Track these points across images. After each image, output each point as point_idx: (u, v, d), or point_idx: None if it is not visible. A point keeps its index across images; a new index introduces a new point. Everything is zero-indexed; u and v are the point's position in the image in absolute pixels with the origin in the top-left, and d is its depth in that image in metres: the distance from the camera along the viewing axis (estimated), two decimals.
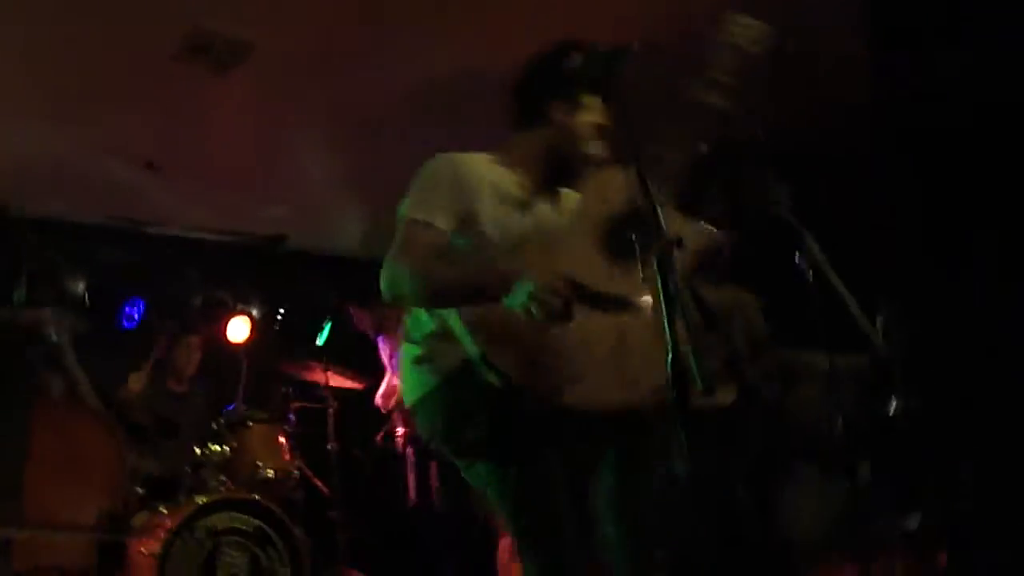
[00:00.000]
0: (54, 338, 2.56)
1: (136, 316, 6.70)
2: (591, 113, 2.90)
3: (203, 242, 7.13)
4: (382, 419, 6.40)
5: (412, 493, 6.39)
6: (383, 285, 2.70)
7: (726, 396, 4.77)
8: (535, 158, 2.95)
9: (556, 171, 2.96)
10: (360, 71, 5.17)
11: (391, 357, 6.17)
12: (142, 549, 4.48)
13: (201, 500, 4.77)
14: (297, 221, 6.99)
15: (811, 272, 4.18)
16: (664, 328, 2.12)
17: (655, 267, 2.18)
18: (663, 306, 2.14)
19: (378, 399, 6.31)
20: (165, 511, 4.80)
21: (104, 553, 2.18)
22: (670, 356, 2.08)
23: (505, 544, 4.48)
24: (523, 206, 2.87)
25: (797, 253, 4.12)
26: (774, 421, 4.87)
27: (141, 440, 5.25)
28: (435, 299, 2.70)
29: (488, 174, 2.85)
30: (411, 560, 6.27)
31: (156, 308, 6.75)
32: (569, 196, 2.97)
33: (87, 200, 6.48)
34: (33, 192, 6.23)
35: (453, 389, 2.66)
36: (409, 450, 6.24)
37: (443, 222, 2.70)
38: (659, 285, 2.16)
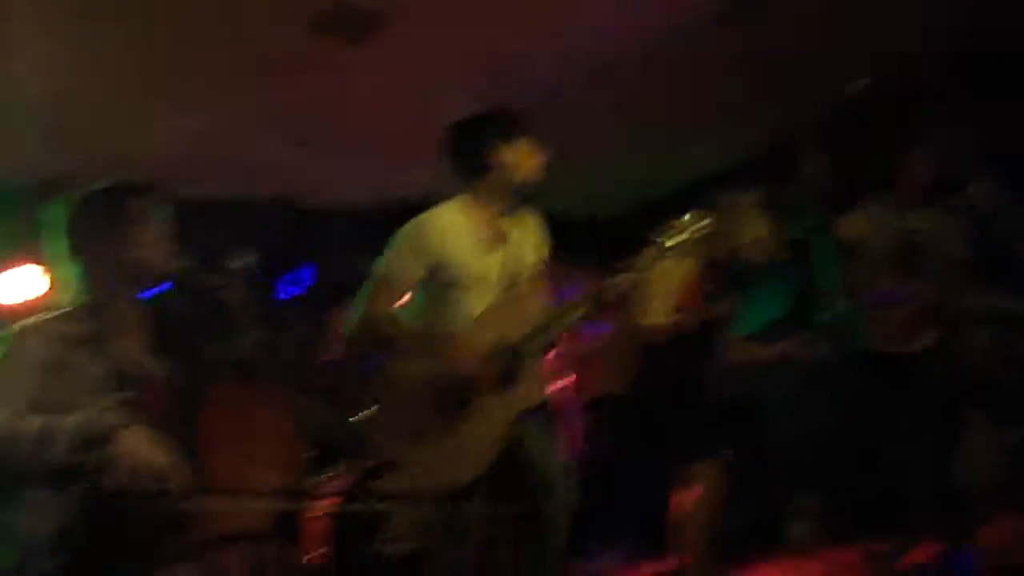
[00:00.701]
0: (230, 311, 2.58)
1: (300, 289, 6.85)
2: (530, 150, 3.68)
3: (361, 209, 7.21)
4: None
5: (568, 447, 6.37)
6: (348, 324, 3.60)
7: (919, 340, 4.58)
8: (489, 199, 3.70)
9: (505, 204, 3.70)
10: (499, 24, 5.11)
11: None
12: (317, 512, 4.59)
13: (371, 464, 4.83)
14: (448, 182, 6.98)
15: (982, 213, 4.04)
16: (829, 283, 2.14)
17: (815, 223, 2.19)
18: (825, 261, 2.15)
19: None
20: (338, 473, 4.90)
21: (281, 520, 2.20)
22: (832, 313, 2.12)
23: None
24: (487, 248, 3.63)
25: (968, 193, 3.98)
26: (956, 366, 4.69)
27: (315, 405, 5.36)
28: (381, 344, 3.56)
29: (454, 225, 3.60)
30: (588, 512, 6.22)
31: (323, 278, 6.90)
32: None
33: (244, 178, 6.62)
34: (192, 174, 6.41)
35: None
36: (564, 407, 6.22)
37: (407, 278, 3.57)
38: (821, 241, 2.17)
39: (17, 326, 2.47)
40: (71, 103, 5.28)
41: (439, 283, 3.61)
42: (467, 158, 3.77)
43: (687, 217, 3.65)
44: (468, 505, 3.53)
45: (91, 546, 2.12)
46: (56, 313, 2.57)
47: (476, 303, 3.61)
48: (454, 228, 3.63)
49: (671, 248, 3.59)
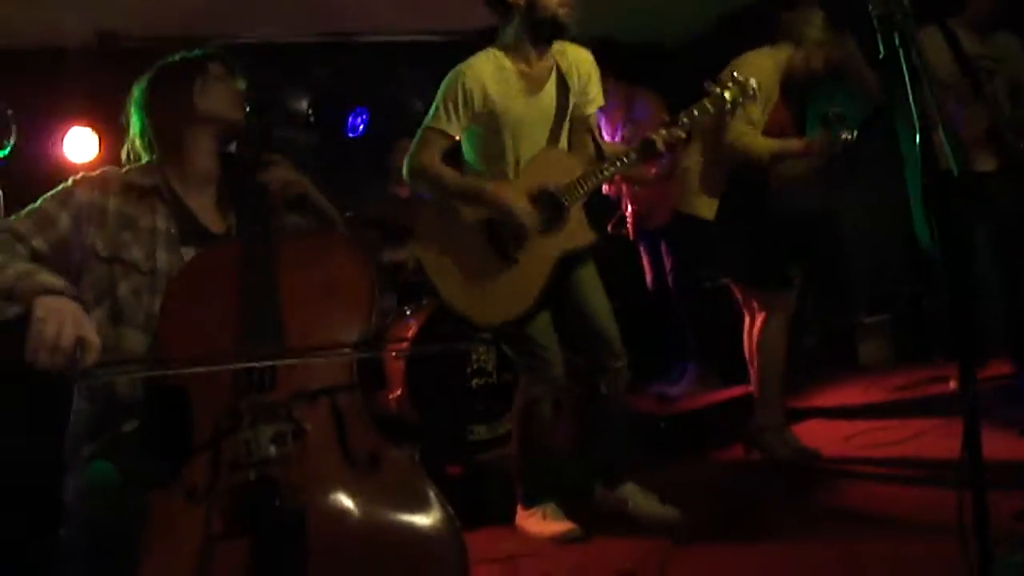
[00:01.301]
0: (289, 190, 2.58)
1: (361, 125, 6.80)
2: None
3: (417, 44, 7.06)
4: (610, 206, 6.32)
5: (648, 276, 6.37)
6: (404, 171, 3.74)
7: (985, 163, 4.54)
8: (522, 41, 3.71)
9: (539, 43, 3.71)
10: None
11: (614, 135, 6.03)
12: (392, 352, 4.65)
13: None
14: None
15: None
16: (911, 104, 2.09)
17: (897, 41, 2.08)
18: (908, 81, 2.05)
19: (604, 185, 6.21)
20: (409, 312, 4.94)
21: (363, 366, 2.19)
22: (917, 135, 2.03)
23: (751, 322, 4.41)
24: (529, 90, 3.71)
25: None
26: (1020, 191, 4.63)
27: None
28: (435, 191, 3.74)
29: (492, 71, 3.67)
30: (659, 340, 6.29)
31: (379, 115, 6.83)
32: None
33: (298, 19, 6.49)
34: (245, 18, 6.31)
35: None
36: (640, 233, 6.19)
37: (454, 129, 3.66)
38: (903, 60, 2.07)
39: (71, 179, 2.46)
40: None
41: (486, 130, 3.73)
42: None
43: (738, 76, 3.72)
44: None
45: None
46: (124, 168, 2.56)
47: (525, 146, 3.73)
48: (494, 74, 3.67)
49: (727, 101, 3.68)
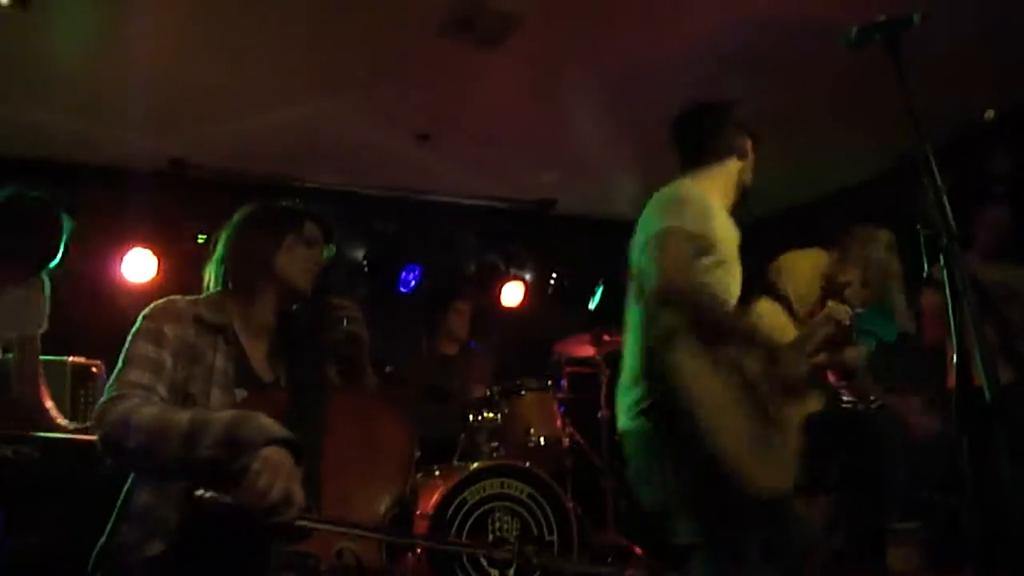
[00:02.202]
0: (356, 329, 2.58)
1: (413, 281, 6.90)
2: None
3: (476, 208, 7.23)
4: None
5: None
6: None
7: (1003, 375, 4.54)
8: (732, 186, 3.48)
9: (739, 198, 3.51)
10: (629, 33, 5.01)
11: None
12: (417, 511, 4.61)
13: (474, 465, 4.85)
14: (567, 185, 6.96)
15: None
16: (949, 325, 2.14)
17: (941, 262, 2.10)
18: (949, 301, 2.08)
19: None
20: (438, 473, 4.92)
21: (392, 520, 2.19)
22: (955, 355, 2.04)
23: None
24: (733, 225, 3.39)
25: None
26: None
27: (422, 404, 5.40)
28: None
29: (712, 199, 3.32)
30: None
31: (432, 274, 6.94)
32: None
33: (364, 171, 6.68)
34: (313, 164, 6.50)
35: None
36: None
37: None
38: (945, 279, 2.09)
39: (161, 302, 2.50)
40: (194, 88, 5.33)
41: (711, 261, 3.26)
42: (716, 137, 3.52)
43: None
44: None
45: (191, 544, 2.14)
46: (193, 297, 2.59)
47: (734, 283, 3.38)
48: (713, 204, 3.34)
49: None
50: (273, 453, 2.04)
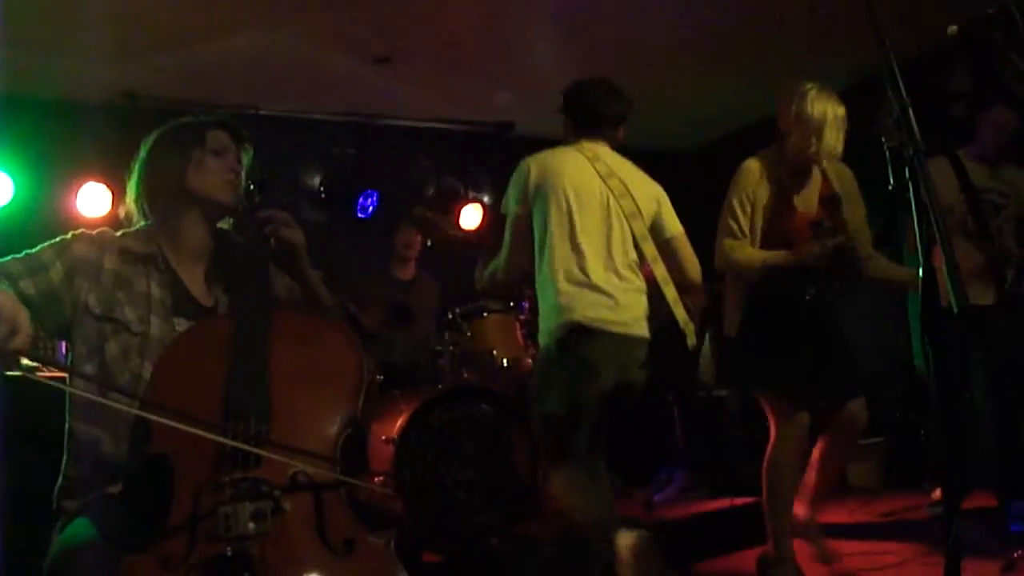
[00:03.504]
0: (291, 237, 2.53)
1: (371, 207, 6.87)
2: None
3: (434, 131, 7.17)
4: None
5: None
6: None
7: (983, 296, 4.56)
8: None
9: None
10: None
11: None
12: (381, 436, 4.64)
13: (438, 388, 4.88)
14: (526, 107, 6.91)
15: None
16: (916, 238, 2.13)
17: (906, 173, 2.10)
18: (915, 214, 2.08)
19: None
20: (402, 397, 4.93)
21: (347, 449, 2.19)
22: (920, 268, 2.06)
23: None
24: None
25: None
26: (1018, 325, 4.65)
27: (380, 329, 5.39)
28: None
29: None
30: (650, 444, 6.26)
31: (389, 198, 6.90)
32: None
33: (320, 96, 6.61)
34: (269, 90, 6.41)
35: None
36: None
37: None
38: (910, 193, 2.09)
39: (79, 231, 2.47)
40: (146, 19, 5.24)
41: None
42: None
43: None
44: None
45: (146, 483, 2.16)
46: (122, 231, 2.56)
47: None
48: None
49: None
50: None
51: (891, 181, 2.20)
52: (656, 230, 3.79)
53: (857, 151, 3.86)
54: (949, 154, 4.89)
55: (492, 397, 4.84)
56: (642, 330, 3.65)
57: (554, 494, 3.71)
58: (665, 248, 3.79)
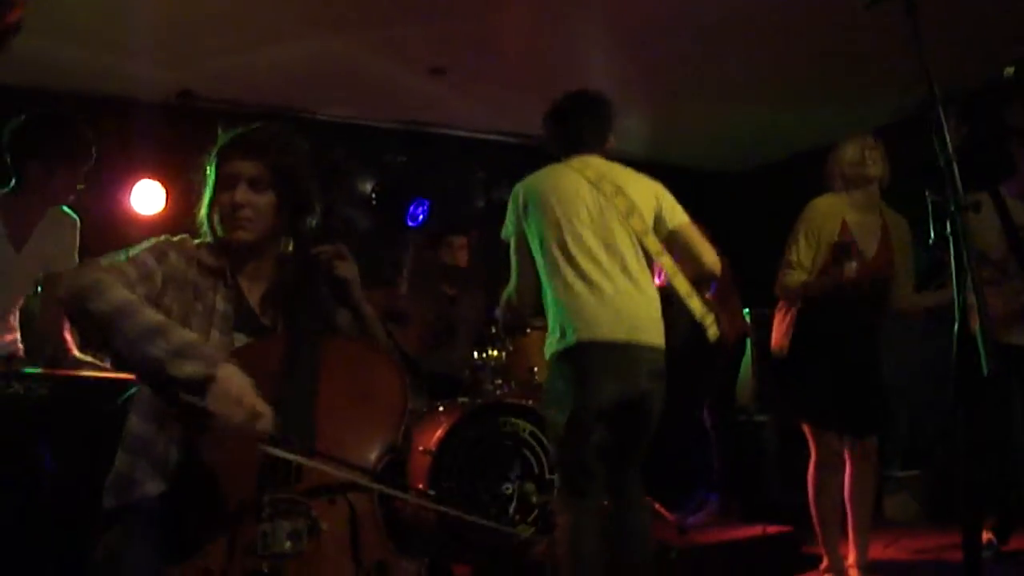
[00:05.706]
0: (342, 273, 2.57)
1: (421, 216, 6.91)
2: None
3: (486, 143, 7.21)
4: None
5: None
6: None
7: (1021, 337, 4.52)
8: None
9: None
10: None
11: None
12: (419, 447, 4.67)
13: (477, 402, 4.90)
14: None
15: None
16: (953, 293, 2.17)
17: (948, 229, 2.12)
18: (953, 269, 2.10)
19: None
20: (441, 409, 4.97)
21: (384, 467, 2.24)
22: (956, 326, 2.09)
23: None
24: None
25: None
26: None
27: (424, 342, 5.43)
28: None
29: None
30: (694, 465, 6.26)
31: (441, 208, 6.94)
32: None
33: (375, 104, 6.67)
34: (324, 96, 6.49)
35: None
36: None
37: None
38: (951, 247, 2.15)
39: (163, 237, 2.51)
40: (206, 22, 5.33)
41: None
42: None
43: None
44: None
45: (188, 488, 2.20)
46: (197, 241, 2.60)
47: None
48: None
49: None
50: (228, 368, 2.09)
51: (931, 235, 2.22)
52: (660, 223, 3.72)
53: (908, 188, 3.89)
54: (990, 189, 4.82)
55: (530, 414, 4.86)
56: (650, 336, 3.55)
57: (557, 538, 3.61)
58: (673, 240, 3.71)
